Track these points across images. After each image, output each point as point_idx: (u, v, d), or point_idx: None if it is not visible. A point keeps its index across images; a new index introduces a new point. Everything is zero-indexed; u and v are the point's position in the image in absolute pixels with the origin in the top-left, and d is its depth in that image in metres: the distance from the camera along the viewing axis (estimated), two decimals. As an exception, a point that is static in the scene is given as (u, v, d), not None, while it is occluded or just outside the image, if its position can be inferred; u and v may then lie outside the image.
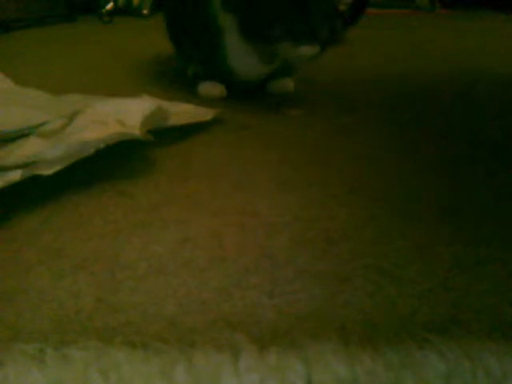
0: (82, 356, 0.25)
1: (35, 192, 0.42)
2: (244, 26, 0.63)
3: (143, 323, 0.28)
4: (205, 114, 0.60)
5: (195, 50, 0.73)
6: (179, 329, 0.27)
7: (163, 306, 0.29)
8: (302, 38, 0.60)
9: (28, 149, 0.45)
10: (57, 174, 0.40)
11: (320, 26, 0.61)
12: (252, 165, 0.50)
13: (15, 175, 0.39)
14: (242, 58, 0.67)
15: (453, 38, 1.43)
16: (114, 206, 0.41)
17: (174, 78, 0.83)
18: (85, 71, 0.90)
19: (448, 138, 0.59)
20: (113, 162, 0.48)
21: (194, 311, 0.29)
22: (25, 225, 0.38)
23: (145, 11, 1.74)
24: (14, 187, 0.39)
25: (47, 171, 0.40)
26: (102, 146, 0.44)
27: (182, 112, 0.59)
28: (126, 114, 0.49)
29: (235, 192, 0.44)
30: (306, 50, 0.61)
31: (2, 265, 0.33)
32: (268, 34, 0.61)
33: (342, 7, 0.67)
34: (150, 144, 0.49)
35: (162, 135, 0.52)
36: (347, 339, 0.27)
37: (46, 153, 0.42)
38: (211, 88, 0.73)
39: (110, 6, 1.62)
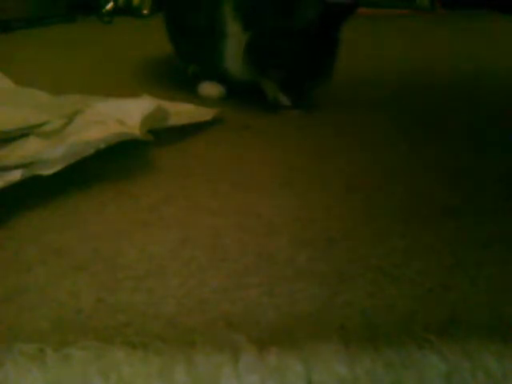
0: (82, 356, 0.25)
1: (35, 192, 0.42)
2: (250, 48, 0.64)
3: (143, 323, 0.28)
4: (205, 113, 0.60)
5: (194, 50, 0.73)
6: (179, 329, 0.27)
7: (163, 306, 0.29)
8: (285, 91, 0.64)
9: (28, 149, 0.45)
10: (57, 174, 0.40)
11: (307, 94, 0.64)
12: (252, 165, 0.50)
13: (15, 175, 0.39)
14: (239, 63, 0.67)
15: (452, 37, 1.43)
16: (114, 205, 0.41)
17: (175, 78, 0.83)
18: (85, 71, 0.90)
19: (449, 137, 0.59)
20: (113, 162, 0.48)
21: (194, 311, 0.29)
22: (25, 225, 0.38)
23: (145, 11, 1.74)
24: (14, 187, 0.39)
25: (47, 171, 0.40)
26: (102, 146, 0.44)
27: (182, 112, 0.59)
28: (126, 114, 0.49)
29: (235, 192, 0.44)
30: (284, 100, 0.64)
31: (2, 264, 0.33)
32: (262, 68, 0.64)
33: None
34: (150, 144, 0.49)
35: (162, 135, 0.52)
36: (347, 339, 0.27)
37: (45, 153, 0.42)
38: (211, 88, 0.73)
39: (110, 5, 1.62)
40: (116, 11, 1.64)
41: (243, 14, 0.64)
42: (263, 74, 0.65)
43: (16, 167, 0.40)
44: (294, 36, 0.61)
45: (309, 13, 0.60)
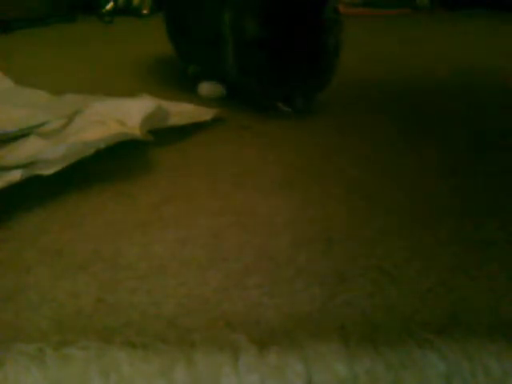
0: (82, 356, 0.25)
1: (35, 192, 0.42)
2: (236, 56, 0.64)
3: (143, 323, 0.28)
4: (205, 113, 0.60)
5: (196, 50, 0.73)
6: (179, 329, 0.27)
7: (163, 306, 0.29)
8: (272, 99, 0.64)
9: (28, 149, 0.45)
10: (57, 174, 0.40)
11: (294, 97, 0.63)
12: (252, 165, 0.50)
13: (15, 175, 0.39)
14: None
15: (452, 37, 1.43)
16: (113, 205, 0.41)
17: (175, 78, 0.83)
18: (85, 71, 0.90)
19: (448, 138, 0.59)
20: (113, 162, 0.48)
21: (194, 311, 0.29)
22: (25, 225, 0.38)
23: (145, 11, 1.74)
24: (14, 187, 0.39)
25: (47, 171, 0.40)
26: (102, 146, 0.44)
27: (182, 112, 0.59)
28: (126, 114, 0.49)
29: (235, 192, 0.44)
30: (281, 105, 0.64)
31: (2, 265, 0.33)
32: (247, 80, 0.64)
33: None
34: (150, 144, 0.49)
35: (162, 135, 0.52)
36: (347, 339, 0.27)
37: (46, 153, 0.42)
38: (211, 88, 0.73)
39: (109, 5, 1.62)
40: (116, 11, 1.64)
41: (233, 27, 0.64)
42: (248, 81, 0.65)
43: (16, 167, 0.40)
44: (257, 46, 0.60)
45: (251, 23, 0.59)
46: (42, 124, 0.49)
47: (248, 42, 0.61)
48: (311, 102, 0.65)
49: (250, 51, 0.61)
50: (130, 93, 0.57)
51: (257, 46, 0.60)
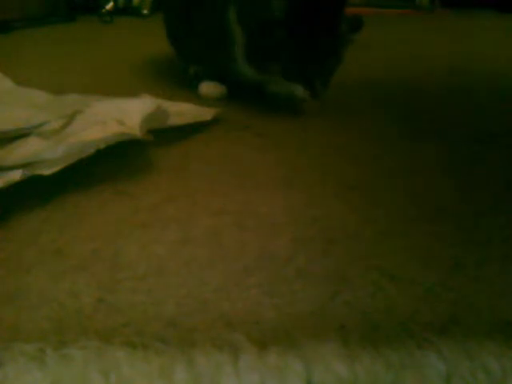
0: (82, 356, 0.25)
1: (35, 192, 0.42)
2: (248, 48, 0.64)
3: (143, 323, 0.28)
4: (205, 113, 0.60)
5: (200, 50, 0.73)
6: (179, 329, 0.27)
7: (163, 306, 0.29)
8: (294, 80, 0.63)
9: (28, 149, 0.45)
10: (57, 174, 0.41)
11: (314, 80, 0.63)
12: (252, 165, 0.50)
13: (15, 175, 0.39)
14: (247, 65, 0.67)
15: (452, 37, 1.43)
16: (113, 205, 0.41)
17: (174, 78, 0.83)
18: (85, 71, 0.90)
19: (448, 138, 0.59)
20: (113, 162, 0.48)
21: (194, 311, 0.29)
22: (25, 225, 0.38)
23: (145, 11, 1.75)
24: (14, 187, 0.39)
25: (47, 171, 0.40)
26: (101, 146, 0.44)
27: (182, 112, 0.59)
28: (126, 114, 0.49)
29: (235, 192, 0.44)
30: (300, 93, 0.63)
31: (1, 265, 0.33)
32: (263, 66, 0.64)
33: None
34: (150, 144, 0.49)
35: (162, 135, 0.52)
36: (347, 339, 0.27)
37: (46, 153, 0.43)
38: (211, 88, 0.73)
39: (110, 5, 1.63)
40: (116, 11, 1.64)
41: (241, 18, 0.64)
42: (266, 71, 0.64)
43: (16, 167, 0.41)
44: (277, 27, 0.60)
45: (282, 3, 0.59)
46: (42, 124, 0.49)
47: (267, 26, 0.60)
48: (327, 87, 0.65)
49: (269, 36, 0.61)
50: (130, 93, 0.57)
51: (279, 29, 0.60)
